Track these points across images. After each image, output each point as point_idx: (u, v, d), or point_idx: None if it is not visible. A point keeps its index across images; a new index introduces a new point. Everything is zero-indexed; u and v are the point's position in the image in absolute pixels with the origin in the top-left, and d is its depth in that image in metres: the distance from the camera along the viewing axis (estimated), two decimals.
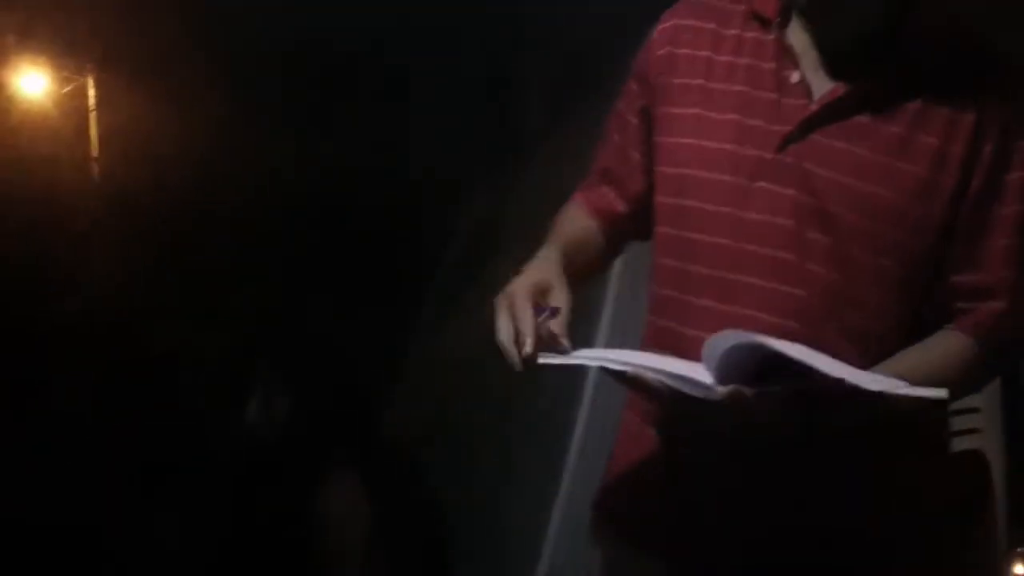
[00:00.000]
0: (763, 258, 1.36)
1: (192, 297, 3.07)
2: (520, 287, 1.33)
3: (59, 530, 2.64)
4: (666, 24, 1.50)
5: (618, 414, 2.52)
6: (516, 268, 1.41)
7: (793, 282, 1.35)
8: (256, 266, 3.09)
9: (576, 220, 1.58)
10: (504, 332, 1.30)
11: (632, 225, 1.57)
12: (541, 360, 1.28)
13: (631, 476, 1.51)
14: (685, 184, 1.42)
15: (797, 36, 1.40)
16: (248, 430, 2.61)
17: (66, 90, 3.15)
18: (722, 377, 1.21)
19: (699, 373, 1.23)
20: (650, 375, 1.23)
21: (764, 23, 1.42)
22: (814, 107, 1.35)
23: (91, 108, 3.19)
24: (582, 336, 1.37)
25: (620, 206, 1.57)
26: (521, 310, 1.30)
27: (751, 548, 1.39)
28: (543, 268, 1.39)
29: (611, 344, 2.25)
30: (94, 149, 3.22)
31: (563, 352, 1.30)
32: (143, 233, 3.04)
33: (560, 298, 1.34)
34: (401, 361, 2.97)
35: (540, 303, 1.33)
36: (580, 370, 1.45)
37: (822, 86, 1.37)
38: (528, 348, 1.27)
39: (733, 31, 1.44)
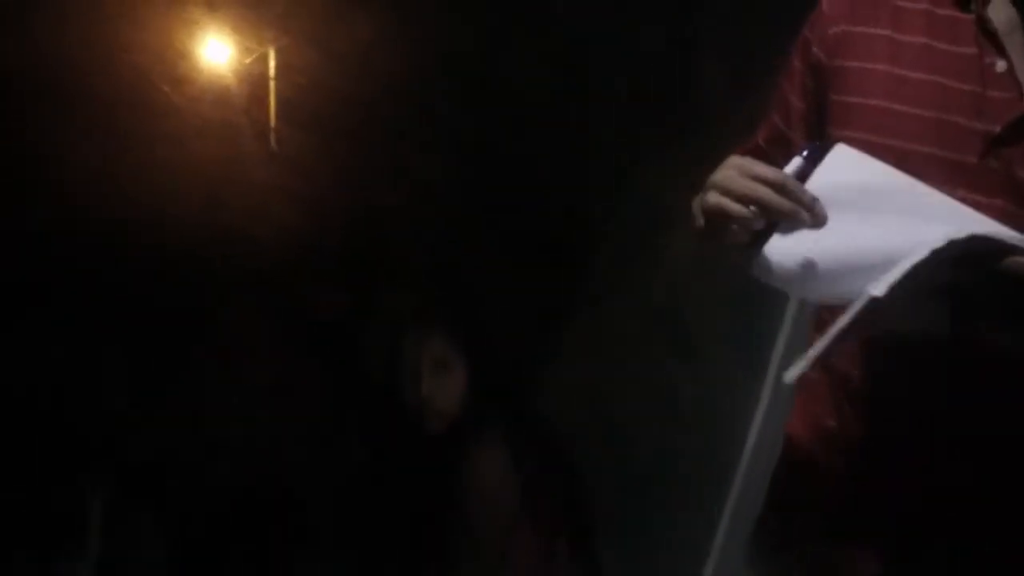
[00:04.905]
0: None
1: (362, 264, 3.09)
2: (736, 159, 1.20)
3: None
4: None
5: None
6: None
7: None
8: (427, 235, 3.09)
9: None
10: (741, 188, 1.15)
11: None
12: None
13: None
14: None
15: (1001, 15, 1.21)
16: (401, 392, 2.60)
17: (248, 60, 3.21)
18: None
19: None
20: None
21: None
22: None
23: (271, 77, 3.23)
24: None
25: None
26: (756, 166, 1.16)
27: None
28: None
29: None
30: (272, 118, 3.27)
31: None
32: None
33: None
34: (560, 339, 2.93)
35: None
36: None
37: None
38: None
39: (920, 6, 1.24)
